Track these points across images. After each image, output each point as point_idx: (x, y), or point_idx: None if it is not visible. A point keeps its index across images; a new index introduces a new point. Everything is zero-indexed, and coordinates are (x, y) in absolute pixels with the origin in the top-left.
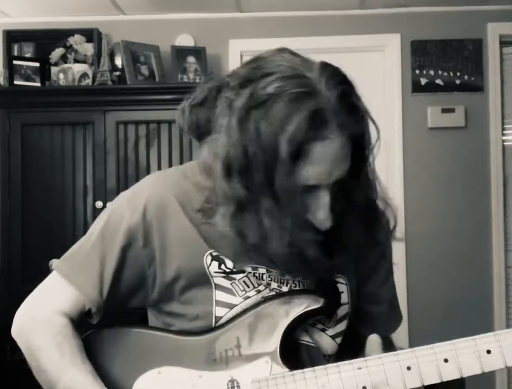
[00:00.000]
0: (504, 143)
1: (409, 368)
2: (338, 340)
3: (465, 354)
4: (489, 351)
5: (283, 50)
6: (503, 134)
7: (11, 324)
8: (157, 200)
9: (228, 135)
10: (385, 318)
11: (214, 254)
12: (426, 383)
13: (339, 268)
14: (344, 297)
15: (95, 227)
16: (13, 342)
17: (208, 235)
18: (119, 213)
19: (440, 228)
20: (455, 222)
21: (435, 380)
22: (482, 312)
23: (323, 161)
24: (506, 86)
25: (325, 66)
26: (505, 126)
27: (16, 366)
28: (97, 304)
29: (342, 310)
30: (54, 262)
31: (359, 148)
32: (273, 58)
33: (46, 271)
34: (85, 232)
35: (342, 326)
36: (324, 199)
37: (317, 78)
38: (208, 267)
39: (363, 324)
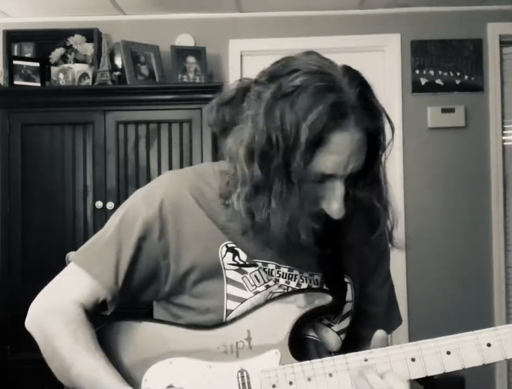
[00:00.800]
0: (504, 143)
1: (413, 360)
2: (343, 336)
3: (467, 347)
4: (489, 345)
5: (310, 52)
6: (503, 134)
7: (11, 325)
8: (173, 196)
9: (254, 123)
10: (383, 318)
11: (230, 245)
12: (430, 374)
13: (345, 268)
14: (349, 295)
15: (112, 222)
16: (13, 342)
17: (225, 227)
18: (136, 208)
19: (440, 228)
20: (454, 222)
21: (438, 371)
22: (482, 312)
23: (340, 152)
24: (506, 86)
25: (348, 68)
26: (505, 126)
27: (16, 366)
28: (113, 293)
29: (346, 308)
30: (71, 255)
31: (373, 147)
32: (300, 57)
33: (46, 271)
34: (85, 232)
35: (346, 323)
36: (339, 189)
37: (340, 76)
38: (222, 259)
39: (361, 323)
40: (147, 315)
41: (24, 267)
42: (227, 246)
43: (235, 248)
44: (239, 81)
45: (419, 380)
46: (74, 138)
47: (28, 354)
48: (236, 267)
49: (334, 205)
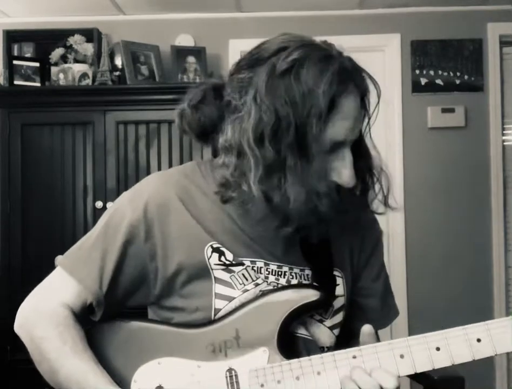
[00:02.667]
0: (504, 143)
1: (402, 356)
2: (336, 331)
3: (456, 343)
4: (479, 340)
5: (284, 33)
6: (503, 134)
7: (11, 325)
8: (158, 198)
9: (257, 105)
10: (378, 312)
11: (215, 246)
12: (419, 371)
13: (335, 261)
14: (340, 290)
15: (98, 225)
16: (13, 342)
17: (210, 228)
18: (121, 211)
19: (440, 228)
20: (454, 222)
21: (427, 368)
22: (482, 312)
23: (349, 116)
24: (506, 86)
25: (325, 41)
26: (505, 126)
27: (16, 366)
28: (97, 297)
29: (338, 302)
30: (58, 258)
31: (364, 111)
32: (279, 38)
33: (46, 271)
34: (85, 232)
35: (339, 318)
36: (348, 157)
37: (327, 46)
38: (208, 259)
39: (356, 318)
40: (141, 316)
41: (24, 267)
42: (212, 247)
43: (221, 248)
44: (201, 84)
45: (419, 380)
46: (74, 138)
47: (28, 354)
48: (223, 267)
49: (345, 172)
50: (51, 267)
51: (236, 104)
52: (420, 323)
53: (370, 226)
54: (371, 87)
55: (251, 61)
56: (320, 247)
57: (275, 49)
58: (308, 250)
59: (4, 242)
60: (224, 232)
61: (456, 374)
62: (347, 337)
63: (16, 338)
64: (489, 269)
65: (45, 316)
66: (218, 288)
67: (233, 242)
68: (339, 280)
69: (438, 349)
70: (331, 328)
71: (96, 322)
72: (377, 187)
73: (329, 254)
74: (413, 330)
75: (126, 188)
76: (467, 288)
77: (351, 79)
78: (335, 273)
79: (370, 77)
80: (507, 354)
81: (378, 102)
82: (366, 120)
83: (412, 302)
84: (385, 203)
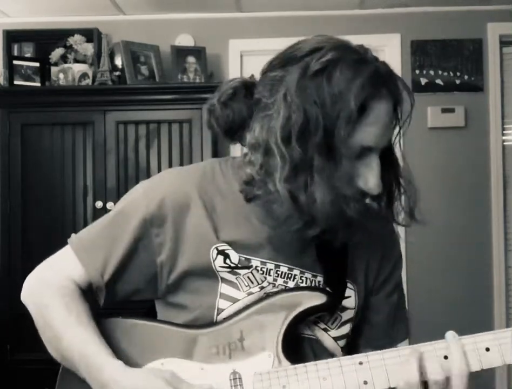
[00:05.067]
0: (504, 143)
1: None
2: (341, 342)
3: (466, 351)
4: (488, 349)
5: (320, 35)
6: (503, 134)
7: (12, 325)
8: (174, 194)
9: (287, 104)
10: (386, 329)
11: (220, 248)
12: (427, 379)
13: (349, 274)
14: (351, 302)
15: (111, 212)
16: (13, 342)
17: (222, 228)
18: (136, 202)
19: (440, 228)
20: (454, 222)
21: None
22: (482, 311)
23: (380, 122)
24: (506, 86)
25: (362, 45)
26: (505, 126)
27: (16, 366)
28: (98, 284)
29: (347, 314)
30: (72, 236)
31: (395, 120)
32: (314, 38)
33: None
34: None
35: (345, 329)
36: (375, 164)
37: (363, 50)
38: (213, 261)
39: (363, 333)
40: (148, 312)
41: (24, 267)
42: (217, 249)
43: (226, 251)
44: (231, 81)
45: None
46: (74, 138)
47: (28, 354)
48: (229, 269)
49: (372, 179)
50: None
51: (266, 102)
52: (420, 324)
53: (392, 244)
54: (405, 96)
55: (285, 60)
56: (336, 255)
57: (309, 49)
58: (324, 256)
59: (4, 242)
60: (237, 232)
61: None
62: (351, 351)
63: (16, 338)
64: (489, 269)
65: (52, 287)
66: (224, 288)
67: (243, 243)
68: (351, 293)
69: (446, 357)
70: (336, 338)
71: (101, 313)
72: (403, 199)
73: (345, 263)
74: (413, 331)
75: (126, 188)
76: (467, 288)
77: (384, 84)
78: (348, 284)
79: (405, 85)
80: None
81: (411, 111)
82: (397, 129)
83: (412, 302)
84: (411, 215)
